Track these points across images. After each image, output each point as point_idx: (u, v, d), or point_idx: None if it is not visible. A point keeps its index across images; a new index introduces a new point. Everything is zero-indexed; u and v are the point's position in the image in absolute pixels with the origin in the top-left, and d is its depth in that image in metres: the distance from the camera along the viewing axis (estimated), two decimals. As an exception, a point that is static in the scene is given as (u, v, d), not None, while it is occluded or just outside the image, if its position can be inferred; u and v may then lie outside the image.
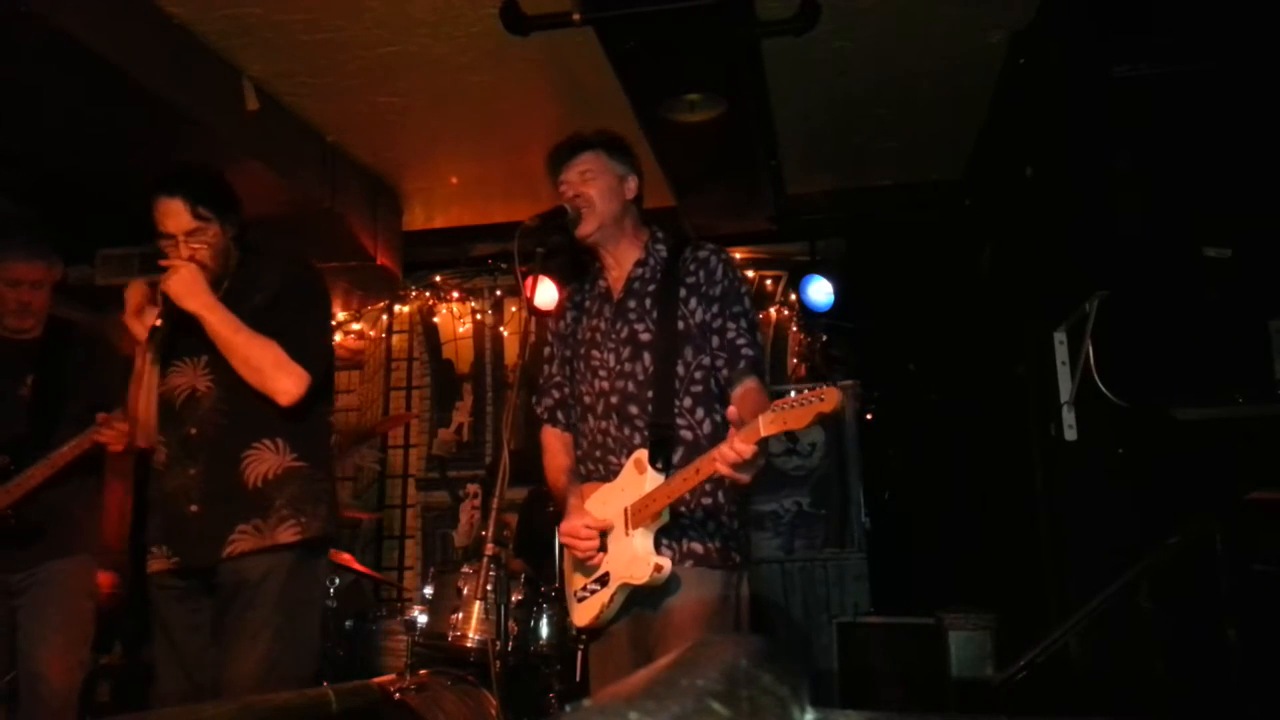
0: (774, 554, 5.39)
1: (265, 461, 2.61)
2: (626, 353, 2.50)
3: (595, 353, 2.57)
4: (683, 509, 2.39)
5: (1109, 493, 3.33)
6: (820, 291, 5.63)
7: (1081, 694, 3.26)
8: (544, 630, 3.80)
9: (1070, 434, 3.45)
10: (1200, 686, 2.84)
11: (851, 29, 4.00)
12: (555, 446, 2.66)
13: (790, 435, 5.55)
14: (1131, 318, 3.19)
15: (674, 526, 2.38)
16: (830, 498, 5.48)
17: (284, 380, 2.57)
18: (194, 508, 2.58)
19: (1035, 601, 3.96)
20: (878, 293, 5.71)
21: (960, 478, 5.27)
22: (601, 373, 2.54)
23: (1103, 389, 3.16)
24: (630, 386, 2.48)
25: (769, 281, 6.15)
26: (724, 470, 2.10)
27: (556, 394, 2.68)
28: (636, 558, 2.28)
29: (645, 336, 2.49)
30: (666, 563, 2.28)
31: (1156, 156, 3.31)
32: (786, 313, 6.13)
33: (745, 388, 2.41)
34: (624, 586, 2.31)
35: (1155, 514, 3.01)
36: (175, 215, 2.57)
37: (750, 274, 6.11)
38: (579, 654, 3.77)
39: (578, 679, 3.78)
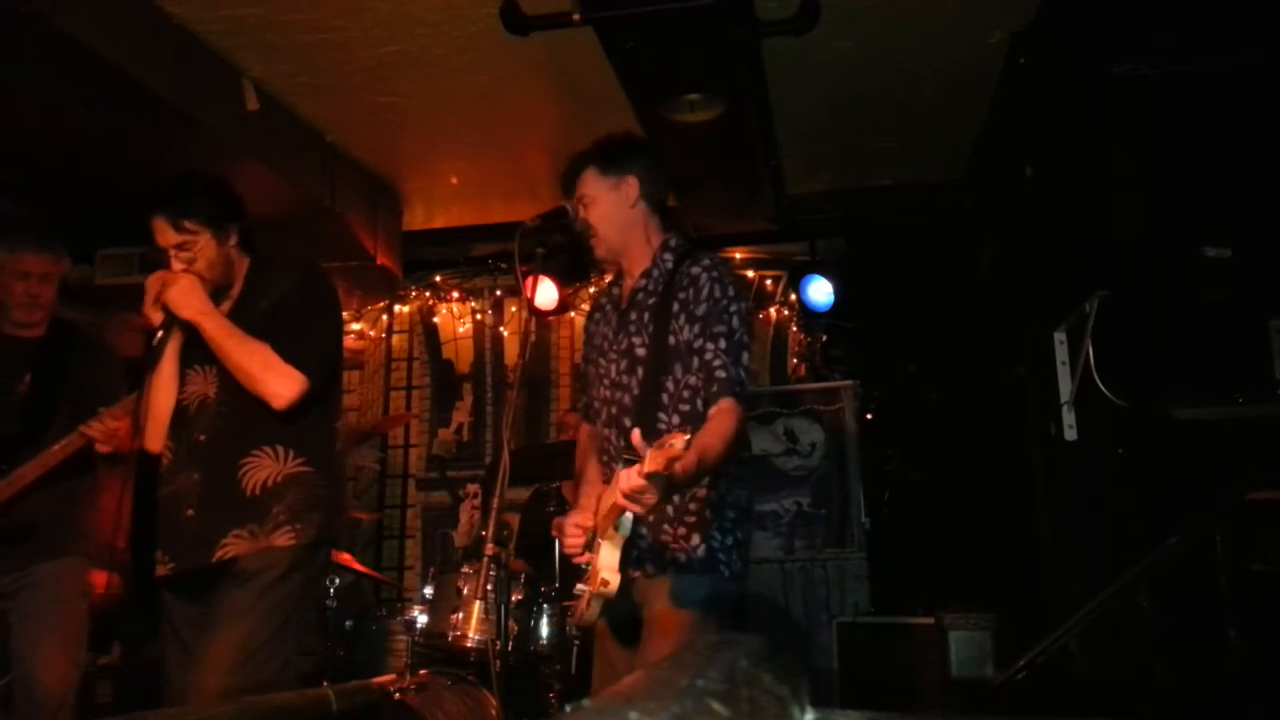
0: (774, 554, 5.39)
1: (265, 469, 2.58)
2: (624, 365, 2.52)
3: (601, 360, 2.61)
4: (666, 525, 2.40)
5: (1109, 493, 3.32)
6: (820, 291, 5.63)
7: (1081, 694, 3.26)
8: (544, 630, 3.80)
9: (1070, 434, 3.45)
10: (1200, 686, 2.84)
11: (851, 29, 4.00)
12: (583, 443, 2.71)
13: (790, 435, 5.56)
14: (1131, 318, 3.19)
15: (657, 539, 2.40)
16: (830, 498, 5.48)
17: (275, 383, 2.52)
18: (190, 512, 2.56)
19: (1035, 601, 3.96)
20: (878, 293, 5.71)
21: (960, 478, 5.26)
22: (605, 381, 2.57)
23: (1103, 389, 3.16)
24: (626, 399, 2.50)
25: (769, 281, 6.15)
26: (619, 500, 2.07)
27: (589, 392, 2.71)
28: (596, 569, 2.29)
29: (640, 351, 2.49)
30: (614, 579, 2.25)
31: (1156, 156, 3.31)
32: (786, 313, 6.14)
33: (714, 410, 2.35)
34: (595, 595, 2.31)
35: (1155, 514, 3.01)
36: (161, 232, 2.61)
37: (750, 274, 6.11)
38: (574, 651, 3.78)
39: (573, 673, 3.79)
